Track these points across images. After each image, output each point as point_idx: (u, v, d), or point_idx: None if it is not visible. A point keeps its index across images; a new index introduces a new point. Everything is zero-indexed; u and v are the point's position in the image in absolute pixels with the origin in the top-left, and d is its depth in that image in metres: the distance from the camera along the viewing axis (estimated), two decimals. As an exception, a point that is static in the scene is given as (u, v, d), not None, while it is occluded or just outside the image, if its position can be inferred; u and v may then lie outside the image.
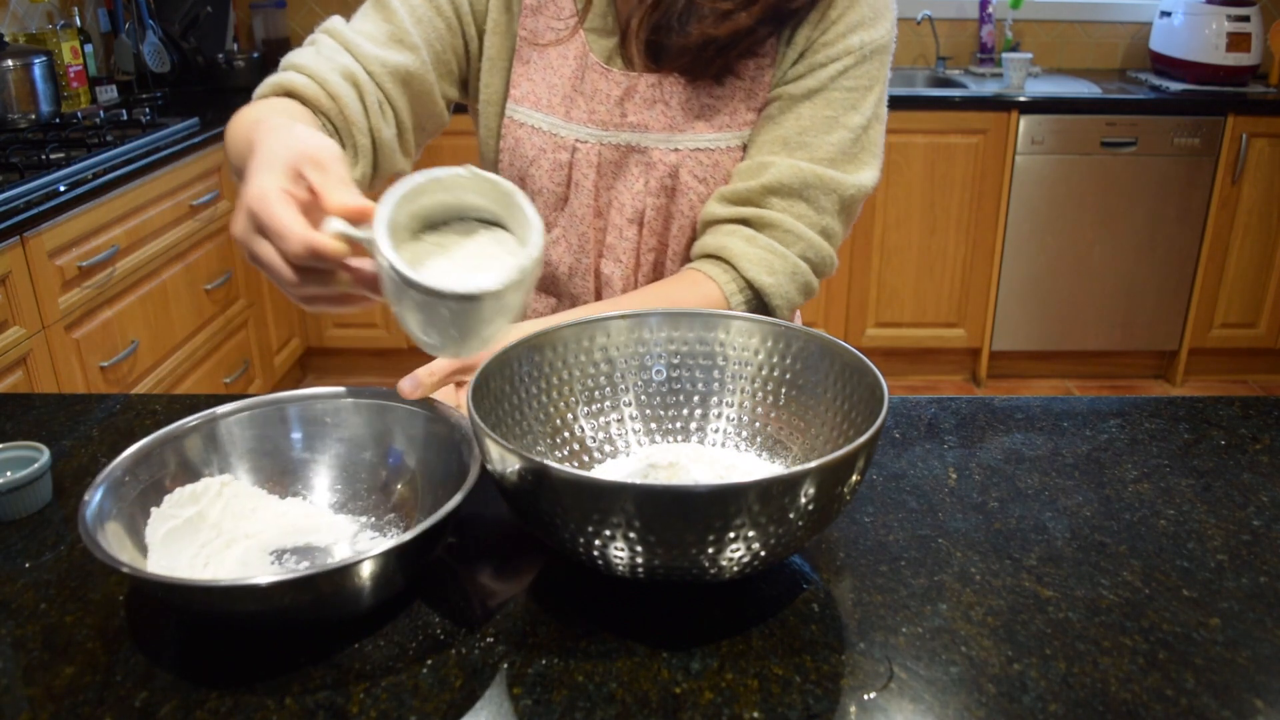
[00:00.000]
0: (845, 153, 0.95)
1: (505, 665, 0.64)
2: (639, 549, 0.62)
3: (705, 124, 0.97)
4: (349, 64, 0.93)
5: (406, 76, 0.96)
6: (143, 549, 0.71)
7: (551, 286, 1.06)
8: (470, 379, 0.73)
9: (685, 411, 0.87)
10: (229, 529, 0.76)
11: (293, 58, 0.94)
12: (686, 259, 1.02)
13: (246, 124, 0.85)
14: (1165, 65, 3.22)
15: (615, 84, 0.98)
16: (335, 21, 0.97)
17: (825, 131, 0.95)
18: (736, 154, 0.98)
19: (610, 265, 1.02)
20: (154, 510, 0.74)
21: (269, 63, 3.33)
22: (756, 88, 0.97)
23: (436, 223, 0.67)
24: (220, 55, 3.19)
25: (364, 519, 0.79)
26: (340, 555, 0.75)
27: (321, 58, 0.93)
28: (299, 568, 0.73)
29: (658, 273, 1.03)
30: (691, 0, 0.92)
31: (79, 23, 2.86)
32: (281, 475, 0.81)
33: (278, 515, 0.78)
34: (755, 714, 0.60)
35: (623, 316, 0.86)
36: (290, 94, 0.92)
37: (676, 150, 0.97)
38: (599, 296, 1.05)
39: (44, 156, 2.05)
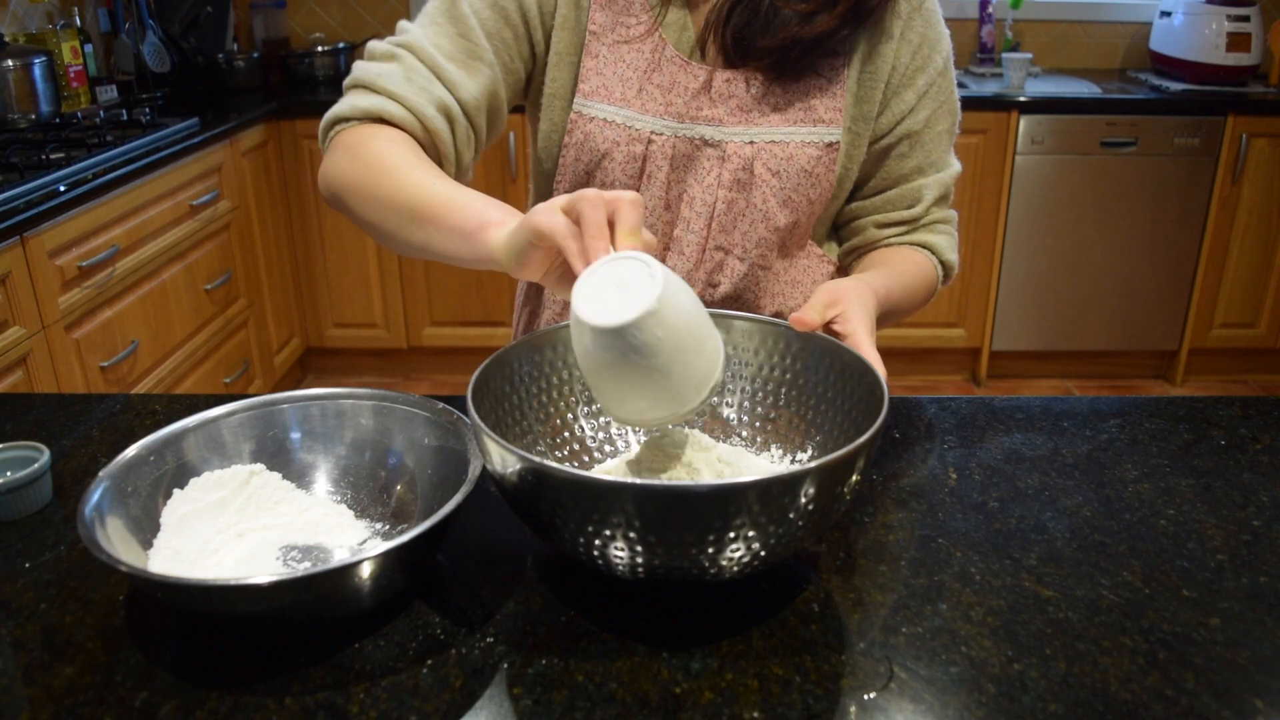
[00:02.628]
0: (951, 148, 1.08)
1: (505, 665, 0.64)
2: (639, 549, 0.62)
3: (780, 116, 0.99)
4: (443, 96, 0.94)
5: (489, 98, 0.98)
6: (147, 540, 0.71)
7: None
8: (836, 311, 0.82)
9: (685, 411, 0.87)
10: (249, 519, 0.76)
11: (381, 80, 0.94)
12: (755, 259, 1.03)
13: (391, 165, 0.88)
14: (1165, 65, 3.22)
15: (693, 76, 0.99)
16: (416, 36, 0.96)
17: (941, 143, 1.06)
18: (811, 148, 0.99)
19: (674, 259, 1.03)
20: (176, 491, 0.74)
21: (269, 63, 3.34)
22: (834, 86, 0.99)
23: None
24: (220, 55, 3.19)
25: (365, 520, 0.79)
26: (343, 556, 0.75)
27: (414, 86, 0.93)
28: (300, 566, 0.73)
29: (723, 271, 1.04)
30: (773, 3, 0.94)
31: (79, 23, 2.86)
32: (280, 476, 0.80)
33: (300, 511, 0.78)
34: (755, 714, 0.60)
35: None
36: (384, 121, 0.93)
37: (751, 143, 0.99)
38: None
39: (44, 156, 2.05)
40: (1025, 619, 0.68)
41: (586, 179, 1.03)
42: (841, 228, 1.12)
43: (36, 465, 0.81)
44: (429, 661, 0.65)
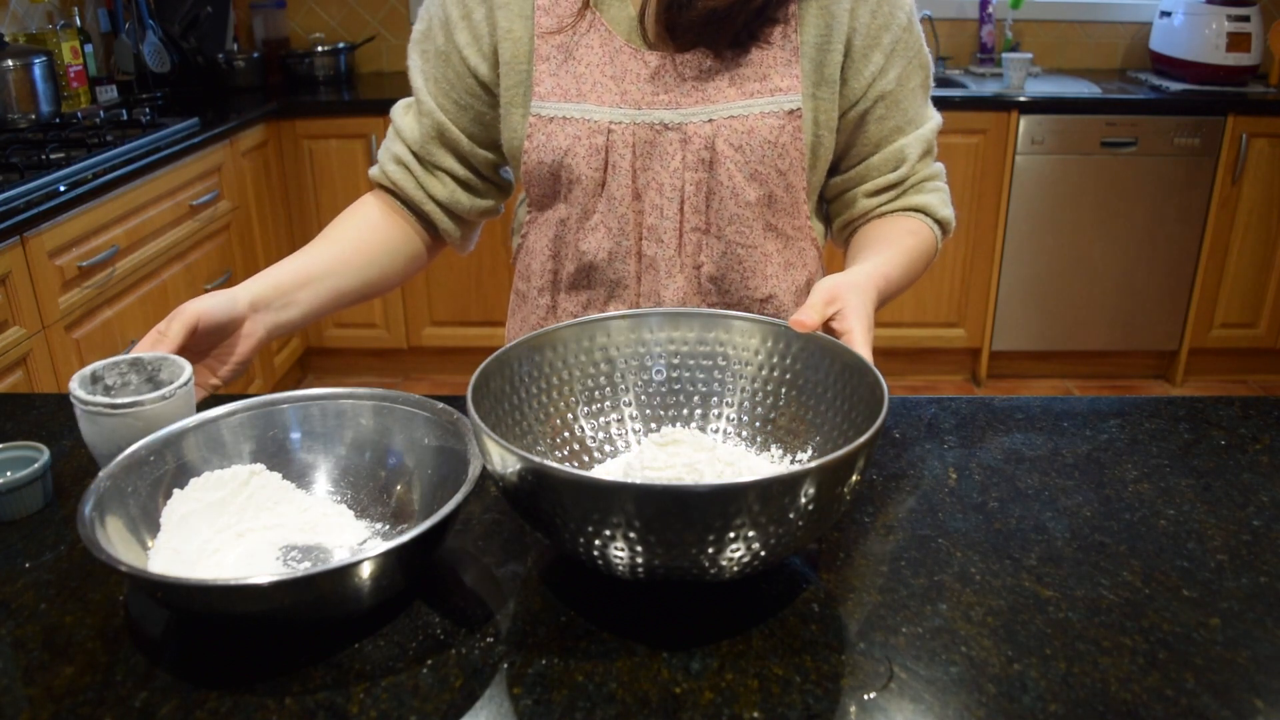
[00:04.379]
0: (927, 101, 1.08)
1: (505, 665, 0.64)
2: (639, 549, 0.62)
3: (736, 90, 0.99)
4: (398, 150, 1.09)
5: (435, 139, 1.08)
6: (145, 541, 0.71)
7: (588, 277, 1.06)
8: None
9: (685, 411, 0.87)
10: (249, 519, 0.76)
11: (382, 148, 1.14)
12: (731, 236, 1.03)
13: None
14: (1165, 65, 3.22)
15: (644, 63, 0.99)
16: (396, 107, 1.11)
17: (916, 99, 1.06)
18: (772, 119, 0.99)
19: (653, 247, 1.03)
20: (176, 491, 0.74)
21: (269, 63, 3.34)
22: (786, 53, 0.99)
23: None
24: (220, 55, 3.19)
25: (365, 520, 0.79)
26: (343, 556, 0.75)
27: (386, 151, 1.11)
28: (300, 566, 0.73)
29: (703, 253, 1.04)
30: None
31: (79, 23, 2.86)
32: (281, 476, 0.80)
33: (300, 510, 0.78)
34: (755, 714, 0.60)
35: (623, 316, 0.86)
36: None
37: (711, 120, 0.99)
38: (641, 280, 1.06)
39: (44, 156, 2.05)
40: (1025, 619, 0.69)
41: (552, 179, 1.03)
42: (832, 203, 1.12)
43: (36, 465, 0.81)
44: (429, 661, 0.65)
